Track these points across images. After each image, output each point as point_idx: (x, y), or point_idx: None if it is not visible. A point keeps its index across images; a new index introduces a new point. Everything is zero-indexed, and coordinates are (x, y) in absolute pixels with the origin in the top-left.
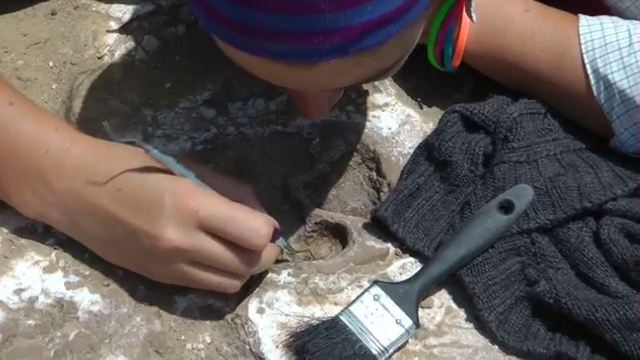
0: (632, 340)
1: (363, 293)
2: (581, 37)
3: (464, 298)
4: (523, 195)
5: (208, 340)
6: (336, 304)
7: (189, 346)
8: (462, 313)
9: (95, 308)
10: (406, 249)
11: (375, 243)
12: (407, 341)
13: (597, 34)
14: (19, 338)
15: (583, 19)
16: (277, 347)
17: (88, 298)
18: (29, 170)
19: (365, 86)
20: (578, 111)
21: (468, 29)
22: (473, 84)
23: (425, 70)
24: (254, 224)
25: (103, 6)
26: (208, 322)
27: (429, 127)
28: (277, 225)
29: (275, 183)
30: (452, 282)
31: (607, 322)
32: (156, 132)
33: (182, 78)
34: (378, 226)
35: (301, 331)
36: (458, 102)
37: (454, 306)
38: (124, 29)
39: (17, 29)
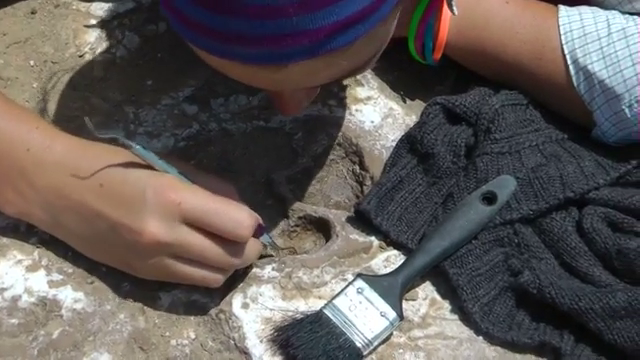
0: (616, 329)
1: (347, 286)
2: (561, 28)
3: (448, 290)
4: (505, 186)
5: (192, 336)
6: (320, 298)
7: (173, 342)
8: (446, 305)
9: (79, 306)
10: (390, 242)
11: (359, 236)
12: (391, 333)
13: (576, 24)
14: (2, 337)
15: (563, 10)
16: (261, 342)
17: (71, 296)
18: (10, 168)
19: (347, 80)
20: (559, 102)
21: (448, 22)
22: (455, 76)
23: (407, 63)
24: (237, 215)
25: (83, 4)
26: (192, 318)
27: (412, 120)
28: (261, 221)
29: (258, 178)
30: (436, 274)
31: (591, 311)
32: (138, 129)
33: (164, 75)
34: (361, 219)
35: (285, 325)
36: (440, 94)
37: (438, 298)
38: (105, 27)
39: None
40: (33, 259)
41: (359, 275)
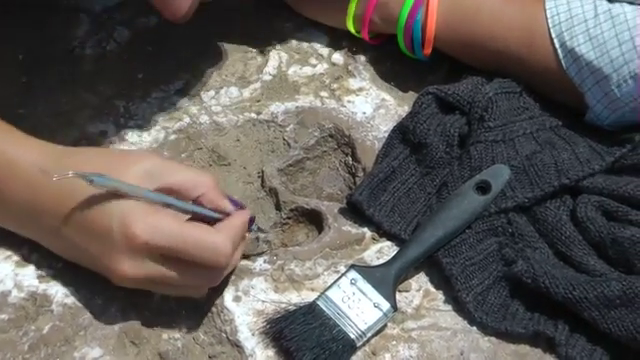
0: (610, 318)
1: (340, 278)
2: (547, 12)
3: (442, 281)
4: (499, 175)
5: (184, 329)
6: (313, 290)
7: (165, 336)
8: (440, 296)
9: (69, 300)
10: (382, 233)
11: (351, 228)
12: (385, 325)
13: (563, 7)
14: None
15: None
16: (254, 334)
17: (62, 291)
18: None
19: (339, 71)
20: (552, 87)
21: (436, 16)
22: (448, 66)
23: (399, 53)
24: (211, 244)
25: None
26: (184, 311)
27: (404, 110)
28: (251, 214)
29: (250, 171)
30: (430, 265)
31: (585, 300)
32: (129, 123)
33: (154, 68)
34: (354, 211)
35: (278, 317)
36: (433, 85)
37: (432, 289)
38: (95, 21)
39: None
40: (22, 254)
41: (352, 266)
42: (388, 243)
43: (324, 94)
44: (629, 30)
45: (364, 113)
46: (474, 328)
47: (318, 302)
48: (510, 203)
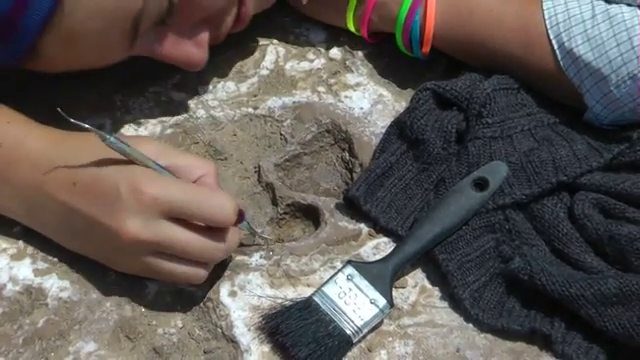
0: (607, 315)
1: (336, 273)
2: (545, 12)
3: (438, 277)
4: (497, 172)
5: (180, 324)
6: (309, 286)
7: (160, 331)
8: (436, 292)
9: (64, 294)
10: (379, 229)
11: (348, 224)
12: (381, 321)
13: (561, 8)
14: None
15: None
16: (249, 330)
17: (57, 284)
18: None
19: (336, 66)
20: (551, 87)
21: (434, 15)
22: (446, 63)
23: (397, 49)
24: (217, 201)
25: None
26: (180, 306)
27: (401, 106)
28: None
29: (246, 166)
30: (426, 262)
31: (582, 298)
32: (125, 117)
33: (151, 62)
34: (351, 206)
35: (274, 313)
36: (431, 81)
37: (428, 285)
38: None
39: None
40: (18, 247)
41: (349, 262)
42: (385, 239)
43: (321, 89)
44: (627, 30)
45: (361, 108)
46: (470, 325)
47: (314, 298)
48: (507, 200)
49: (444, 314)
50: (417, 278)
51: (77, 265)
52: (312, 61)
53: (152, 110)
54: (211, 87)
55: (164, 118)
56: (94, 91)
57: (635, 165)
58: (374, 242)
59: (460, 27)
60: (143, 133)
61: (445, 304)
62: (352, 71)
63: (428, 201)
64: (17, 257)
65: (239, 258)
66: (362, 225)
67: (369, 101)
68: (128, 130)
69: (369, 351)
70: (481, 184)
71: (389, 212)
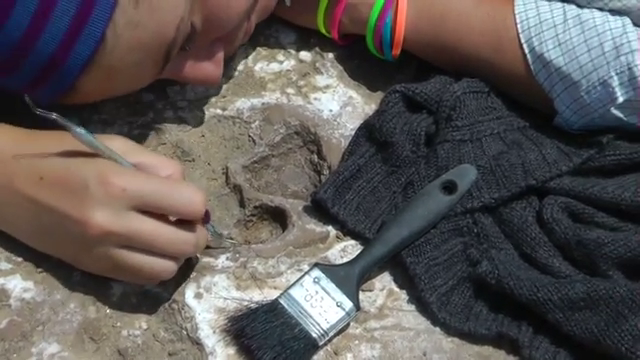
0: (574, 320)
1: (303, 276)
2: (517, 16)
3: (406, 281)
4: (466, 175)
5: (144, 326)
6: (275, 288)
7: (125, 333)
8: (404, 296)
9: (27, 295)
10: (347, 232)
11: (315, 226)
12: (348, 324)
13: (532, 12)
14: None
15: None
16: (215, 332)
17: (20, 285)
18: None
19: (306, 68)
20: (521, 92)
21: (405, 17)
22: (417, 65)
23: (368, 51)
24: (186, 193)
25: None
26: (145, 308)
27: (371, 109)
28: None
29: (214, 167)
30: (394, 265)
31: (549, 302)
32: (93, 117)
33: None
34: (318, 209)
35: (239, 315)
36: (401, 83)
37: (395, 289)
38: None
39: None
40: None
41: (316, 264)
42: (352, 242)
43: (291, 91)
44: (598, 36)
45: (331, 111)
46: (437, 328)
47: (280, 300)
48: (476, 203)
49: (411, 317)
50: (384, 281)
51: (41, 266)
52: (282, 62)
53: (120, 110)
54: (179, 88)
55: (131, 118)
56: None
57: (604, 170)
58: (341, 245)
59: (431, 30)
60: (110, 133)
61: (412, 307)
62: (322, 73)
63: (396, 204)
64: None
65: (205, 260)
66: (330, 228)
67: (338, 103)
68: (96, 129)
69: (335, 354)
70: (450, 187)
71: (357, 215)
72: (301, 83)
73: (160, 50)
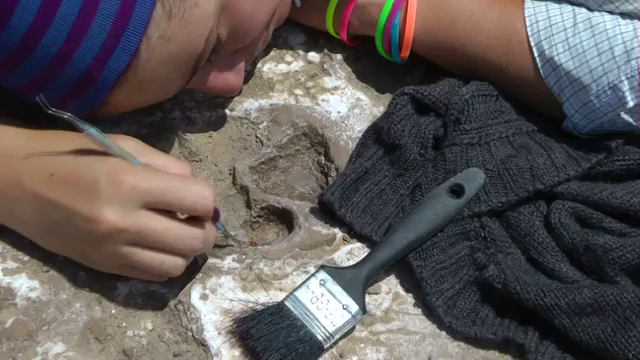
0: (581, 326)
1: (309, 278)
2: (526, 20)
3: (412, 284)
4: (474, 179)
5: (150, 327)
6: (281, 290)
7: (130, 333)
8: (410, 299)
9: (33, 294)
10: (354, 234)
11: (322, 228)
12: (354, 327)
13: (542, 15)
14: None
15: (529, 2)
16: (220, 333)
17: (26, 284)
18: None
19: (314, 69)
20: (530, 95)
21: (414, 20)
22: (425, 68)
23: (376, 53)
24: (195, 188)
25: None
26: (150, 308)
27: (379, 111)
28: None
29: (221, 168)
30: (400, 268)
31: (556, 307)
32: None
33: None
34: (325, 211)
35: (245, 317)
36: (410, 85)
37: (402, 292)
38: None
39: None
40: None
41: (322, 267)
42: (359, 244)
43: (299, 92)
44: (608, 40)
45: (339, 112)
46: (443, 333)
47: (286, 302)
48: (484, 207)
49: (417, 321)
50: (391, 284)
51: (47, 265)
52: (290, 64)
53: None
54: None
55: (139, 118)
56: None
57: (613, 175)
58: (348, 247)
59: (440, 32)
60: (118, 132)
61: (418, 311)
62: (330, 74)
63: (403, 207)
64: None
65: (211, 261)
66: (336, 230)
67: (346, 105)
68: (103, 129)
69: (340, 357)
70: (457, 191)
71: (364, 217)
72: (309, 84)
73: (189, 62)
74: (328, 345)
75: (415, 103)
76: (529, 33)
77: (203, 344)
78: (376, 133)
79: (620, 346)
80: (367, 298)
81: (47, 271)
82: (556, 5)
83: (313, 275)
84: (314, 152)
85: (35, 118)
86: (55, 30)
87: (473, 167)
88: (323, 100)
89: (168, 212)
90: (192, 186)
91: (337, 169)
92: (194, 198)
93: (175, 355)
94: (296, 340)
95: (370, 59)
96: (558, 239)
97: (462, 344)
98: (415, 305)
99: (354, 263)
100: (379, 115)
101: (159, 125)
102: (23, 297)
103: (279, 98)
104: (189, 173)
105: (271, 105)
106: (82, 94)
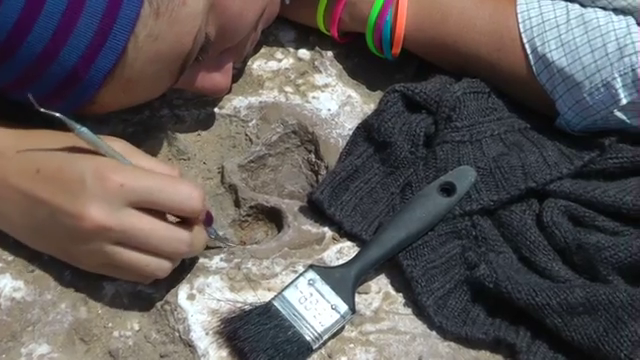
0: (573, 325)
1: (298, 277)
2: (519, 16)
3: (402, 284)
4: (465, 177)
5: (136, 327)
6: (270, 290)
7: (116, 333)
8: (400, 299)
9: (18, 295)
10: (343, 233)
11: (311, 227)
12: (343, 327)
13: (534, 12)
14: None
15: None
16: (207, 334)
17: (10, 284)
18: None
19: (305, 67)
20: (522, 92)
21: (406, 15)
22: (417, 65)
23: (367, 50)
24: (184, 188)
25: None
26: (137, 309)
27: (370, 108)
28: (210, 209)
29: (210, 166)
30: (390, 267)
31: (547, 307)
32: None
33: None
34: (314, 210)
35: (232, 317)
36: (401, 82)
37: (392, 292)
38: None
39: None
40: None
41: (311, 266)
42: (349, 243)
43: (289, 89)
44: (602, 37)
45: (329, 110)
46: (433, 333)
47: (274, 302)
48: (475, 206)
49: (407, 321)
50: (381, 284)
51: (32, 265)
52: (280, 61)
53: None
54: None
55: (127, 116)
56: None
57: (606, 173)
58: (338, 246)
59: (432, 29)
60: (105, 130)
61: (409, 311)
62: (321, 72)
63: (394, 205)
64: None
65: (199, 260)
66: (326, 229)
67: (337, 102)
68: (90, 127)
69: (329, 358)
70: (448, 189)
71: (354, 216)
72: (299, 82)
73: (177, 61)
74: (317, 346)
75: (406, 100)
76: (521, 30)
77: (190, 345)
78: (366, 131)
79: (612, 346)
80: (357, 298)
81: (32, 271)
82: (549, 1)
83: (302, 275)
84: (304, 150)
85: (28, 119)
86: (41, 28)
87: (464, 165)
88: (313, 97)
89: (157, 213)
90: (179, 186)
91: (327, 167)
92: (181, 198)
93: (162, 356)
94: (284, 340)
95: (361, 56)
96: (550, 238)
97: (453, 344)
98: (405, 305)
99: (343, 262)
100: (370, 113)
101: (147, 123)
102: (7, 297)
103: (269, 96)
104: (179, 174)
105: (261, 103)
106: (68, 93)
